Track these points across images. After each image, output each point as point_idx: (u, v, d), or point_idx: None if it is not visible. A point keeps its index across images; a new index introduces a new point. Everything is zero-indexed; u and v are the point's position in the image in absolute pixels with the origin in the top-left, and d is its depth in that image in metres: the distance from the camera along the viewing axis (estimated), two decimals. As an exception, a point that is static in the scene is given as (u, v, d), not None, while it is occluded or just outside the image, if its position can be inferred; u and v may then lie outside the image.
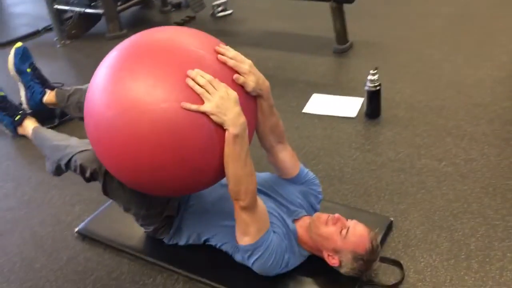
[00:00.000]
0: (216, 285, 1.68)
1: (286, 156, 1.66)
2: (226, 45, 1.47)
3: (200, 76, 1.30)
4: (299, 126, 2.60)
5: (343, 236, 1.54)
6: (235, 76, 1.39)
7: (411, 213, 1.95)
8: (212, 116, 1.31)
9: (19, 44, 2.08)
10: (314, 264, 1.67)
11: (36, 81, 2.06)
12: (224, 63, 1.39)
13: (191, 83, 1.29)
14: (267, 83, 1.50)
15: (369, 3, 4.04)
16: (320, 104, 2.79)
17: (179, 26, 1.59)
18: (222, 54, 1.40)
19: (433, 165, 2.21)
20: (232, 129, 1.32)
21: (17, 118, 2.03)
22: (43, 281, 1.82)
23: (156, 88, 1.30)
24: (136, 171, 1.39)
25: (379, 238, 1.77)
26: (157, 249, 1.83)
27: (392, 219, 1.90)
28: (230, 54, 1.40)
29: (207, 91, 1.30)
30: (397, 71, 3.04)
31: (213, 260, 1.74)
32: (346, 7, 3.21)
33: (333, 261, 1.58)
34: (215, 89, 1.30)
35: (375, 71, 2.49)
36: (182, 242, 1.80)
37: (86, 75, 4.03)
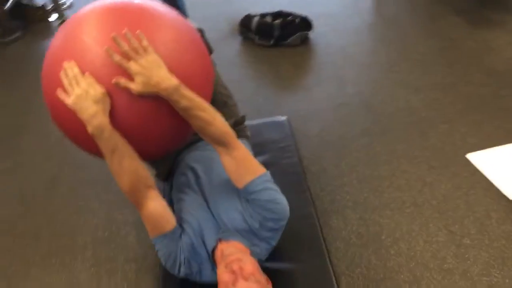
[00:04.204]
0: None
1: (228, 164, 1.41)
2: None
3: (70, 69, 1.28)
4: (435, 167, 1.95)
5: None
6: (114, 80, 1.26)
7: None
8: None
9: None
10: None
11: None
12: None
13: (62, 75, 1.29)
14: (164, 84, 1.26)
15: None
16: (501, 159, 1.99)
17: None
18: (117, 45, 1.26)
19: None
20: (88, 128, 1.27)
21: None
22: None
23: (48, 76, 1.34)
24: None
25: None
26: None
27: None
28: (124, 48, 1.25)
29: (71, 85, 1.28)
30: None
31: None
32: None
33: None
34: (77, 85, 1.26)
35: None
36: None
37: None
